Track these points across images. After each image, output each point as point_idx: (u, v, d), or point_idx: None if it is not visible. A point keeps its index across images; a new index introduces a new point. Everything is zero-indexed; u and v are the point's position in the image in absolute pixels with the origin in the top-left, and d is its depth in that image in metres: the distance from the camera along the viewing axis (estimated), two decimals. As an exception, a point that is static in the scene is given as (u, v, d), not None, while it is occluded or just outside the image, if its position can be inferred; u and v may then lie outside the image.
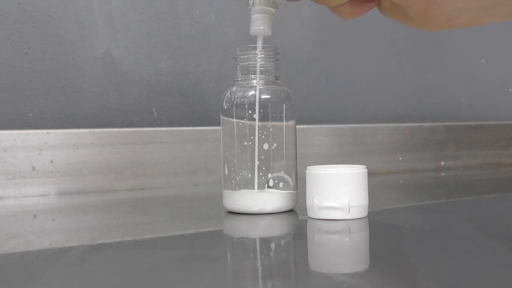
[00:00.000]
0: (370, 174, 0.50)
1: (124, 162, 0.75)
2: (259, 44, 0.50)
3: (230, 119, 0.51)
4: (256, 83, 0.51)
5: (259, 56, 0.51)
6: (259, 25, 0.48)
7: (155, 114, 0.82)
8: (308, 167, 0.49)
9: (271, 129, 0.50)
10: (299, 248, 0.41)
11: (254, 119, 0.50)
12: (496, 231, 0.44)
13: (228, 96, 0.52)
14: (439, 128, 1.03)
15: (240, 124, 0.51)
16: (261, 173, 0.50)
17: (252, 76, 0.51)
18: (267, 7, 0.47)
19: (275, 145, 0.51)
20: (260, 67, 0.51)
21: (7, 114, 0.73)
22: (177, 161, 0.79)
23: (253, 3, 0.47)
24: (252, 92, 0.51)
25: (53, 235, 0.47)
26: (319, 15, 0.96)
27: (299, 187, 0.52)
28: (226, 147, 0.52)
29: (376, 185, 0.79)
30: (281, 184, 0.51)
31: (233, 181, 0.51)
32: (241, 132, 0.51)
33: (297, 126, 0.54)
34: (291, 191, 0.51)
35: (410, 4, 0.38)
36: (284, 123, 0.51)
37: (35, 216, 0.59)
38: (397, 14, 0.41)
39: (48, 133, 0.72)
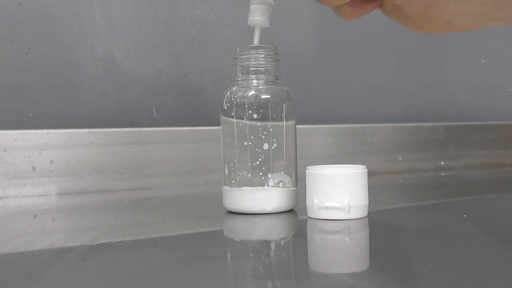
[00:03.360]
0: (370, 174, 0.50)
1: (124, 162, 0.75)
2: (256, 35, 0.49)
3: (230, 119, 0.51)
4: (256, 82, 0.51)
5: (256, 51, 0.50)
6: (257, 15, 0.47)
7: (155, 114, 0.82)
8: (308, 167, 0.48)
9: (271, 129, 0.50)
10: (299, 248, 0.41)
11: (254, 119, 0.50)
12: (496, 231, 0.44)
13: (228, 96, 0.52)
14: (439, 128, 1.03)
15: (240, 124, 0.51)
16: (261, 173, 0.50)
17: (252, 76, 0.51)
18: None
19: (275, 145, 0.51)
20: (260, 67, 0.51)
21: (7, 114, 0.74)
22: (177, 161, 0.79)
23: None
24: (252, 92, 0.51)
25: (53, 235, 0.47)
26: (319, 15, 0.96)
27: (299, 187, 0.52)
28: (226, 147, 0.52)
29: (376, 185, 0.79)
30: (281, 184, 0.51)
31: (233, 181, 0.51)
32: (241, 132, 0.51)
33: (297, 126, 0.54)
34: (291, 188, 0.51)
35: (410, 6, 0.38)
36: (284, 123, 0.51)
37: (35, 216, 0.59)
38: (398, 16, 0.41)
39: (48, 133, 0.72)
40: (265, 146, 0.50)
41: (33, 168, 0.71)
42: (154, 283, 0.30)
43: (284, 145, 0.51)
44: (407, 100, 1.06)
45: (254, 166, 0.50)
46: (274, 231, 0.48)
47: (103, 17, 0.79)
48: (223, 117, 0.52)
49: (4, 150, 0.69)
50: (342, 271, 0.35)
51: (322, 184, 0.47)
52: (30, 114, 0.75)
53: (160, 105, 0.83)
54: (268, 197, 0.50)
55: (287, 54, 0.92)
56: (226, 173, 0.52)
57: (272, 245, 0.42)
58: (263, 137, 0.50)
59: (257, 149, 0.50)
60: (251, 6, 0.48)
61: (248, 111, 0.50)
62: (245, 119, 0.50)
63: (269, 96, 0.51)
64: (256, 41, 0.49)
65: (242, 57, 0.51)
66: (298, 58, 0.95)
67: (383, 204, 0.60)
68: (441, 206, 0.61)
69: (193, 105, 0.85)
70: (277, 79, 0.52)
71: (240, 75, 0.52)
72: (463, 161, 1.04)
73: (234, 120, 0.51)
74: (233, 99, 0.51)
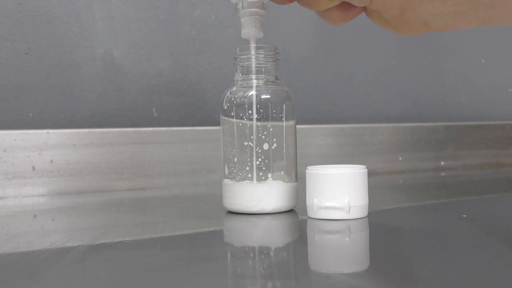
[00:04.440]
0: (370, 174, 0.50)
1: (124, 162, 0.75)
2: (252, 46, 0.50)
3: (230, 119, 0.51)
4: (256, 83, 0.51)
5: (255, 57, 0.51)
6: (249, 27, 0.48)
7: (155, 114, 0.82)
8: (308, 167, 0.48)
9: (271, 129, 0.50)
10: (299, 248, 0.41)
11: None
12: (496, 231, 0.44)
13: (228, 96, 0.52)
14: (439, 128, 1.03)
15: (240, 124, 0.51)
16: (261, 173, 0.50)
17: (252, 76, 0.51)
18: (255, 9, 0.47)
19: (275, 145, 0.51)
20: (260, 67, 0.51)
21: (7, 114, 0.74)
22: (177, 161, 0.79)
23: (242, 6, 0.48)
24: (252, 92, 0.51)
25: (53, 235, 0.47)
26: (319, 15, 0.95)
27: (299, 187, 0.52)
28: (226, 147, 0.52)
29: (376, 185, 0.79)
30: (281, 184, 0.51)
31: (233, 175, 0.51)
32: (241, 132, 0.51)
33: (297, 126, 0.54)
34: (292, 182, 0.51)
35: (385, 9, 0.38)
36: (284, 123, 0.51)
37: (35, 216, 0.59)
38: (378, 20, 0.41)
39: (48, 133, 0.72)
40: (265, 146, 0.50)
41: (33, 168, 0.71)
42: (154, 283, 0.30)
43: (284, 145, 0.51)
44: (407, 100, 1.06)
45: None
46: (274, 231, 0.48)
47: (103, 17, 0.79)
48: (223, 117, 0.52)
49: (4, 150, 0.69)
50: (342, 271, 0.35)
51: (322, 184, 0.47)
52: (30, 114, 0.75)
53: (160, 105, 0.83)
54: (268, 195, 0.50)
55: (287, 54, 0.92)
56: (226, 173, 0.52)
57: (272, 245, 0.42)
58: (263, 137, 0.50)
59: (257, 149, 0.50)
60: (242, 19, 0.48)
61: (248, 111, 0.50)
62: (245, 119, 0.50)
63: (269, 96, 0.51)
64: (252, 52, 0.50)
65: (242, 57, 0.51)
66: (298, 58, 0.95)
67: (383, 204, 0.60)
68: (441, 206, 0.61)
69: (193, 105, 0.85)
70: (277, 79, 0.52)
71: (240, 75, 0.52)
72: (463, 161, 1.05)
73: (234, 120, 0.51)
74: (233, 99, 0.51)
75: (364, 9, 0.41)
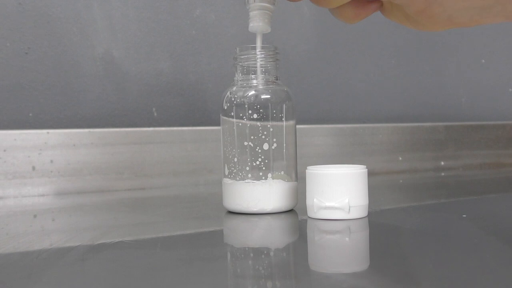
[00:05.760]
0: (370, 174, 0.50)
1: (124, 162, 0.75)
2: (258, 40, 0.50)
3: (230, 119, 0.51)
4: (256, 82, 0.51)
5: (259, 56, 0.51)
6: (257, 21, 0.48)
7: (155, 114, 0.82)
8: (308, 167, 0.49)
9: (271, 129, 0.50)
10: (299, 248, 0.41)
11: (254, 119, 0.50)
12: (496, 231, 0.44)
13: (228, 96, 0.52)
14: (439, 128, 1.03)
15: (240, 124, 0.51)
16: (261, 173, 0.50)
17: (252, 76, 0.51)
18: (265, 4, 0.47)
19: (275, 145, 0.51)
20: (260, 66, 0.51)
21: (7, 114, 0.74)
22: (177, 161, 0.79)
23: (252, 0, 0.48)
24: (252, 92, 0.51)
25: (53, 235, 0.47)
26: (319, 15, 0.96)
27: (299, 187, 0.52)
28: (226, 147, 0.52)
29: (376, 185, 0.79)
30: (281, 184, 0.51)
31: (233, 175, 0.51)
32: (241, 132, 0.51)
33: (297, 126, 0.54)
34: (292, 182, 0.51)
35: (409, 4, 0.38)
36: (284, 123, 0.51)
37: (35, 216, 0.59)
38: (397, 16, 0.41)
39: (48, 133, 0.72)
40: (265, 146, 0.50)
41: (33, 168, 0.71)
42: (154, 283, 0.30)
43: (284, 145, 0.51)
44: (407, 100, 1.06)
45: (254, 166, 0.50)
46: (274, 231, 0.48)
47: (103, 17, 0.79)
48: (223, 117, 0.52)
49: (4, 150, 0.69)
50: (342, 271, 0.35)
51: (322, 184, 0.47)
52: (30, 114, 0.75)
53: (160, 105, 0.83)
54: (268, 195, 0.50)
55: (287, 54, 0.92)
56: (226, 173, 0.52)
57: (272, 245, 0.42)
58: (263, 137, 0.50)
59: (257, 149, 0.50)
60: (250, 13, 0.48)
61: (248, 111, 0.50)
62: (245, 119, 0.50)
63: (269, 96, 0.51)
64: (258, 47, 0.50)
65: (242, 57, 0.51)
66: (298, 58, 0.95)
67: (383, 204, 0.60)
68: (441, 206, 0.61)
69: (193, 105, 0.85)
70: (277, 79, 0.52)
71: (240, 75, 0.52)
72: (463, 161, 1.04)
73: (234, 120, 0.51)
74: (233, 99, 0.51)
75: (380, 5, 0.41)
